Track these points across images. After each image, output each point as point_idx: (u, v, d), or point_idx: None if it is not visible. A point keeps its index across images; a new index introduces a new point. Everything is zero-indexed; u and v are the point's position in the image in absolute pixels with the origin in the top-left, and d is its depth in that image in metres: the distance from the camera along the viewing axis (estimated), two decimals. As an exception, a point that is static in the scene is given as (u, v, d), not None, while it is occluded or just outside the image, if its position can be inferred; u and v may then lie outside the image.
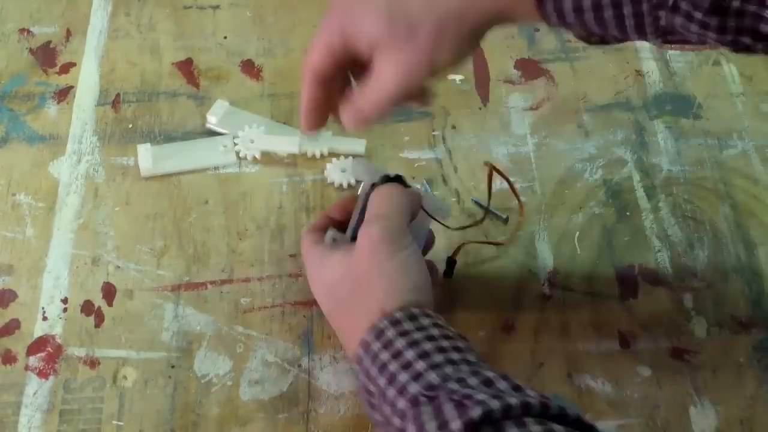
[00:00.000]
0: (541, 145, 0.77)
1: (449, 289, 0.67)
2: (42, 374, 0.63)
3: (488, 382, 0.47)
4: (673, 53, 0.84)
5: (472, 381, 0.47)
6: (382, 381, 0.50)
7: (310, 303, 0.66)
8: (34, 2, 0.86)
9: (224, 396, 0.62)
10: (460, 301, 0.67)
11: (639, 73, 0.82)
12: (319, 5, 0.86)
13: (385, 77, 0.54)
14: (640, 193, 0.74)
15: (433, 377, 0.48)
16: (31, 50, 0.82)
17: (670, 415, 0.62)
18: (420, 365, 0.49)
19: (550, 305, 0.67)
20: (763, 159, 0.77)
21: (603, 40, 0.55)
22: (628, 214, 0.73)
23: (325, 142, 0.75)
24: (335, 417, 0.61)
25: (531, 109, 0.79)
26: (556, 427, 0.43)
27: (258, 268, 0.68)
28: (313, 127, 0.59)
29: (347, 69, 0.57)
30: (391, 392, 0.49)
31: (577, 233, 0.71)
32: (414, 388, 0.48)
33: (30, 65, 0.81)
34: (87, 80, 0.80)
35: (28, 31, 0.83)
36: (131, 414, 0.61)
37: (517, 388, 0.47)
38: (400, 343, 0.51)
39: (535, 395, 0.46)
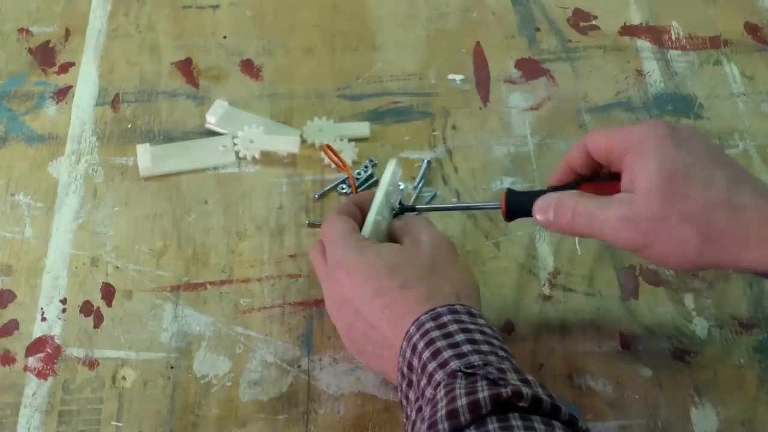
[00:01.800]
0: (542, 145, 0.77)
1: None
2: (41, 375, 0.62)
3: (526, 381, 0.48)
4: (674, 53, 0.83)
5: (511, 376, 0.48)
6: (426, 354, 0.51)
7: (310, 303, 0.66)
8: (33, 2, 0.86)
9: (224, 397, 0.62)
10: (460, 301, 0.67)
11: (640, 72, 0.82)
12: (318, 5, 0.86)
13: (609, 215, 0.52)
14: (641, 193, 0.74)
15: (475, 358, 0.49)
16: (30, 50, 0.82)
17: (670, 415, 0.62)
18: (466, 347, 0.50)
19: (551, 305, 0.67)
20: (765, 159, 0.76)
21: None
22: (628, 214, 0.72)
23: (330, 130, 0.76)
24: (335, 418, 0.61)
25: (531, 109, 0.79)
26: None
27: (257, 269, 0.68)
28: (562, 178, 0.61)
29: None
30: (432, 365, 0.50)
31: (578, 233, 0.71)
32: (455, 364, 0.49)
33: (29, 65, 0.81)
34: (86, 80, 0.80)
35: (27, 31, 0.83)
36: (130, 415, 0.61)
37: (550, 396, 0.48)
38: (453, 327, 0.52)
39: (566, 411, 0.47)
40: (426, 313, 0.53)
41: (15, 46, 0.82)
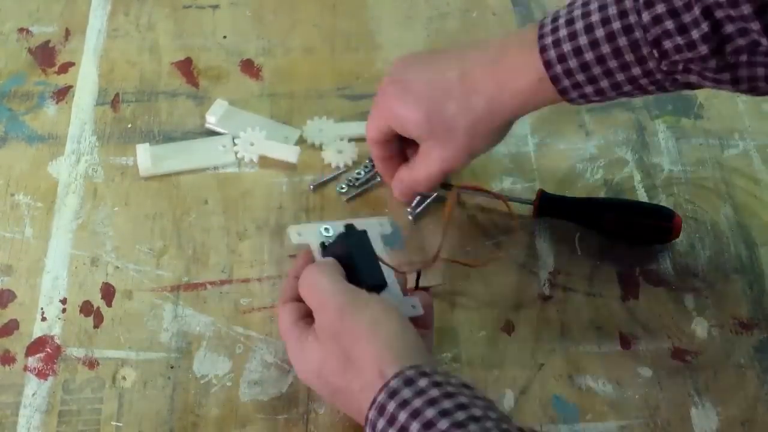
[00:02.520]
0: (542, 145, 0.77)
1: (450, 289, 0.67)
2: (41, 375, 0.62)
3: None
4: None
5: None
6: (414, 426, 0.47)
7: (310, 303, 0.66)
8: (33, 2, 0.85)
9: (224, 397, 0.62)
10: (460, 301, 0.67)
11: (640, 72, 0.82)
12: (318, 5, 0.86)
13: (429, 162, 0.65)
14: (641, 193, 0.74)
15: None
16: (30, 50, 0.82)
17: (671, 416, 0.62)
18: (443, 424, 0.46)
19: (551, 305, 0.67)
20: (765, 159, 0.76)
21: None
22: (628, 214, 0.73)
23: (330, 130, 0.76)
24: (335, 418, 0.61)
25: (531, 108, 0.79)
26: None
27: (257, 269, 0.68)
28: (404, 198, 0.70)
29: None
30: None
31: (578, 233, 0.71)
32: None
33: (29, 65, 0.81)
34: (86, 80, 0.80)
35: (27, 31, 0.83)
36: (130, 415, 0.61)
37: None
38: (417, 402, 0.48)
39: None
40: (412, 368, 0.50)
41: (15, 46, 0.82)
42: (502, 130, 0.65)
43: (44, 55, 0.81)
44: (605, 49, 0.55)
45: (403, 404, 0.48)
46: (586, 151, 0.76)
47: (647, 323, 0.66)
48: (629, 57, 0.54)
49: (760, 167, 0.76)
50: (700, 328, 0.66)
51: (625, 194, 0.74)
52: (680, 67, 0.53)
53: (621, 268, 0.69)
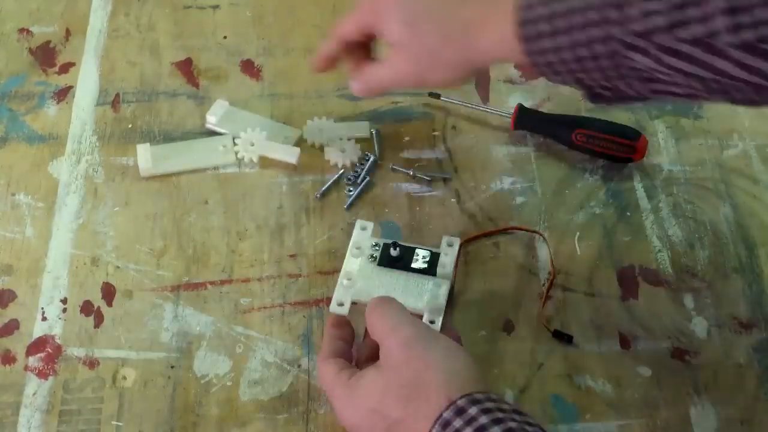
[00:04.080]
0: (542, 145, 0.77)
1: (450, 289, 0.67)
2: (41, 374, 0.62)
3: None
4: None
5: None
6: None
7: (310, 303, 0.66)
8: (34, 2, 0.86)
9: (224, 396, 0.62)
10: (460, 301, 0.67)
11: (639, 73, 0.82)
12: (318, 5, 0.86)
13: (389, 68, 0.64)
14: (641, 193, 0.74)
15: None
16: (30, 50, 0.82)
17: (670, 415, 0.62)
18: None
19: (551, 305, 0.67)
20: (764, 159, 0.77)
21: (607, 99, 0.57)
22: (628, 214, 0.73)
23: (330, 130, 0.76)
24: (335, 417, 0.61)
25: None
26: None
27: (258, 268, 0.68)
28: (320, 70, 0.68)
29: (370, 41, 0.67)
30: None
31: (578, 233, 0.71)
32: None
33: (29, 65, 0.81)
34: (86, 80, 0.80)
35: (28, 31, 0.83)
36: (131, 414, 0.61)
37: None
38: (483, 419, 0.49)
39: None
40: (463, 397, 0.51)
41: (15, 46, 0.82)
42: (464, 75, 0.62)
43: (45, 56, 0.81)
44: (576, 2, 0.53)
45: (486, 411, 0.49)
46: (586, 151, 0.76)
47: (647, 323, 0.66)
48: (594, 15, 0.52)
49: (760, 167, 0.76)
50: (699, 327, 0.66)
51: (625, 194, 0.74)
52: (640, 43, 0.52)
53: (620, 268, 0.69)
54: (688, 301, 0.68)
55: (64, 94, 0.79)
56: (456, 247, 0.65)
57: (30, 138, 0.75)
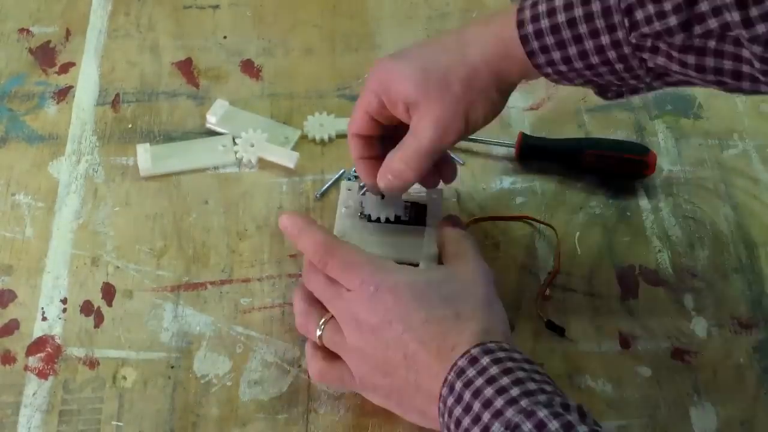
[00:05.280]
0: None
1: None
2: (41, 374, 0.62)
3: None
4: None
5: (573, 416, 0.49)
6: (488, 390, 0.49)
7: (310, 303, 0.66)
8: (34, 2, 0.86)
9: (224, 396, 0.62)
10: (460, 301, 0.67)
11: (639, 72, 0.82)
12: (318, 5, 0.87)
13: (422, 132, 0.57)
14: (641, 193, 0.74)
15: (543, 398, 0.49)
16: (30, 50, 0.82)
17: (670, 415, 0.62)
18: (531, 385, 0.49)
19: (550, 305, 0.67)
20: (764, 159, 0.77)
21: (618, 94, 0.59)
22: (628, 214, 0.73)
23: (330, 125, 0.76)
24: (335, 417, 0.61)
25: (531, 108, 0.79)
26: None
27: (258, 269, 0.68)
28: (373, 179, 0.62)
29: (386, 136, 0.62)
30: (499, 402, 0.48)
31: (578, 233, 0.71)
32: (526, 403, 0.48)
33: (29, 65, 0.81)
34: (86, 80, 0.80)
35: (28, 31, 0.83)
36: (131, 414, 0.61)
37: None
38: (509, 363, 0.51)
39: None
40: (477, 346, 0.52)
41: (15, 46, 0.82)
42: (499, 92, 0.60)
43: (45, 56, 0.81)
44: (578, 12, 0.54)
45: (468, 383, 0.50)
46: (586, 151, 0.76)
47: (647, 323, 0.66)
48: (600, 23, 0.53)
49: (760, 167, 0.76)
50: (699, 327, 0.66)
51: (625, 194, 0.74)
52: (648, 43, 0.52)
53: (620, 268, 0.69)
54: (688, 301, 0.68)
55: (64, 94, 0.79)
56: (440, 196, 0.68)
57: (30, 138, 0.75)
